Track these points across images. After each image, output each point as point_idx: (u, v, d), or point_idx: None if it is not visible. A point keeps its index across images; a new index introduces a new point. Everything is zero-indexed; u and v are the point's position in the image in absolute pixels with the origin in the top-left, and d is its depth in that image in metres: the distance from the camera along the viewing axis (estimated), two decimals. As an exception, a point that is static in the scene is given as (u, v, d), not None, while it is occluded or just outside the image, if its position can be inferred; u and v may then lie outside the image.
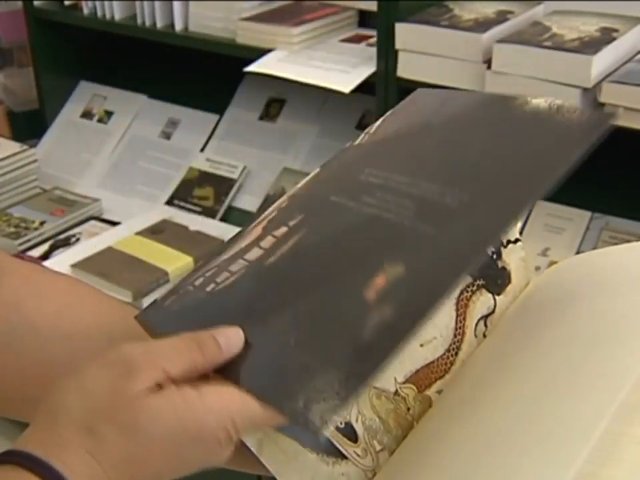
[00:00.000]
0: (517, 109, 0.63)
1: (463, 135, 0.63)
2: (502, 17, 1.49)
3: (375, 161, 0.63)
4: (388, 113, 0.68)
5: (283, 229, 0.61)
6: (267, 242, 0.60)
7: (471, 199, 0.56)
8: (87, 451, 0.48)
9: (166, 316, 0.59)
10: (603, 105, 1.30)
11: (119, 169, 2.10)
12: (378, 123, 0.67)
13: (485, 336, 0.65)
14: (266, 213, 0.63)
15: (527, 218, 1.61)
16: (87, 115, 2.22)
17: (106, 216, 1.99)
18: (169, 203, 1.97)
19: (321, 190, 0.63)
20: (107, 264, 1.62)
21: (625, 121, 1.29)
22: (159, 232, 1.73)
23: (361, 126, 1.87)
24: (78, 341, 0.62)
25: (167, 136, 2.10)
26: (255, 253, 0.60)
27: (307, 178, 0.64)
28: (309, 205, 0.61)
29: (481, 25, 1.45)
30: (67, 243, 1.85)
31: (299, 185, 0.64)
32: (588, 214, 1.57)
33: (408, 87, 1.54)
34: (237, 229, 1.94)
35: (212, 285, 0.59)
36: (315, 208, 0.61)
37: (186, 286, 0.60)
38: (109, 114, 2.20)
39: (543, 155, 0.59)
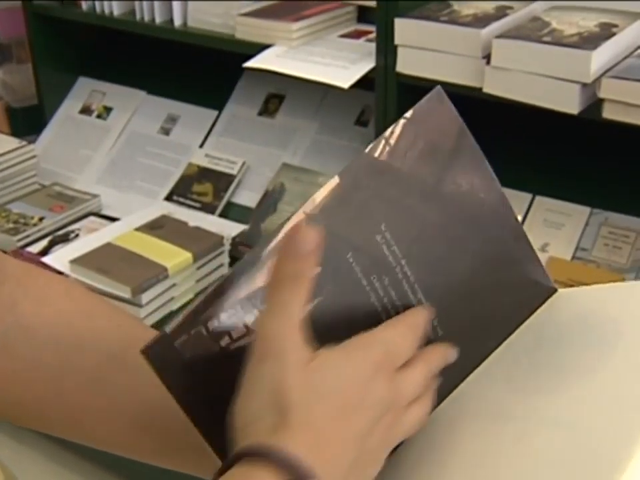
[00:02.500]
0: None
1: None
2: (501, 13, 1.49)
3: (391, 216, 0.60)
4: (406, 117, 0.66)
5: None
6: None
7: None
8: (304, 425, 0.50)
9: (174, 363, 0.55)
10: (602, 100, 1.30)
11: (118, 164, 2.10)
12: (397, 131, 0.65)
13: None
14: (282, 234, 0.58)
15: (527, 213, 1.61)
16: (85, 110, 2.22)
17: (105, 212, 1.99)
18: (168, 198, 1.97)
19: (337, 237, 0.59)
20: (106, 260, 1.62)
21: (624, 116, 1.29)
22: (158, 228, 1.73)
23: (360, 122, 1.87)
24: (71, 348, 0.61)
25: (166, 132, 2.10)
26: None
27: (324, 196, 0.60)
28: (323, 254, 0.59)
29: (481, 21, 1.45)
30: (65, 238, 1.85)
31: (316, 205, 0.59)
32: (587, 209, 1.57)
33: (407, 83, 1.55)
34: (236, 225, 1.93)
35: (226, 339, 0.56)
36: (330, 262, 0.58)
37: (198, 324, 0.56)
38: (108, 110, 2.20)
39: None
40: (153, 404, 0.60)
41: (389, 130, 0.62)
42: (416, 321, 0.58)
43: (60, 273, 1.60)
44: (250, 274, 0.57)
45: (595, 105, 1.32)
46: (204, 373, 0.56)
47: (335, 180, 0.60)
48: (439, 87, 0.65)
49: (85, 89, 2.25)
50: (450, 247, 0.62)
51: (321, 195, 0.59)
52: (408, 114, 0.63)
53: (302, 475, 0.48)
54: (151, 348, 0.54)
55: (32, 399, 0.61)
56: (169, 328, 0.54)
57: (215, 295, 0.56)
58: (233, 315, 0.56)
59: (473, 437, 0.58)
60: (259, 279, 0.57)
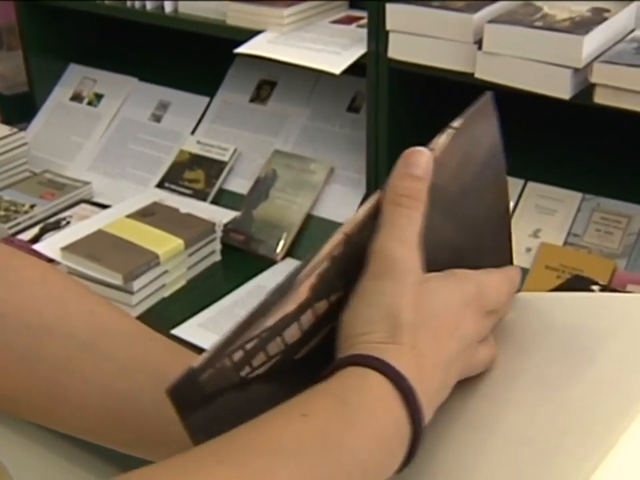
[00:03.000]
0: None
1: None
2: (493, -2, 1.48)
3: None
4: (454, 127, 0.64)
5: (324, 304, 0.58)
6: (307, 319, 0.57)
7: None
8: (410, 345, 0.54)
9: (196, 399, 0.53)
10: (594, 85, 1.30)
11: (109, 151, 2.09)
12: (443, 141, 0.63)
13: None
14: (319, 257, 0.57)
15: (518, 199, 1.61)
16: (76, 97, 2.21)
17: (96, 199, 1.98)
18: (160, 185, 1.96)
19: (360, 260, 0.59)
20: (97, 247, 1.61)
21: (616, 101, 1.29)
22: (149, 215, 1.73)
23: (352, 108, 1.86)
24: (41, 334, 0.60)
25: (157, 119, 2.09)
26: (293, 333, 0.57)
27: (359, 216, 0.59)
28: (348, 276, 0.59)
29: (472, 6, 1.44)
30: (57, 226, 1.85)
31: (347, 227, 0.58)
32: (579, 195, 1.56)
33: (399, 68, 1.55)
34: (228, 211, 1.93)
35: (247, 369, 0.56)
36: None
37: (223, 358, 0.54)
38: (98, 97, 2.19)
39: None
40: (126, 394, 0.60)
41: (436, 139, 0.63)
42: (512, 276, 0.63)
43: (51, 260, 1.60)
44: (280, 302, 0.56)
45: (586, 90, 1.32)
46: (221, 406, 0.55)
47: (375, 197, 0.60)
48: (489, 94, 0.65)
49: (75, 76, 2.24)
50: (450, 259, 0.62)
51: (359, 214, 0.59)
52: (456, 123, 0.64)
53: (405, 389, 0.52)
54: (176, 387, 0.52)
55: (3, 385, 0.60)
56: (196, 362, 0.53)
57: (245, 325, 0.55)
58: (257, 343, 0.56)
59: (446, 447, 0.58)
60: (289, 306, 0.56)
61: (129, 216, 1.72)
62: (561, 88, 1.33)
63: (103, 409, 0.60)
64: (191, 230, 1.68)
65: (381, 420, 0.51)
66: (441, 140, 0.62)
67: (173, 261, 1.64)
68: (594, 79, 1.29)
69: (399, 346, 0.53)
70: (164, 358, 0.62)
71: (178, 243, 1.64)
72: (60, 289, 0.63)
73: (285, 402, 0.52)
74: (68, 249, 1.61)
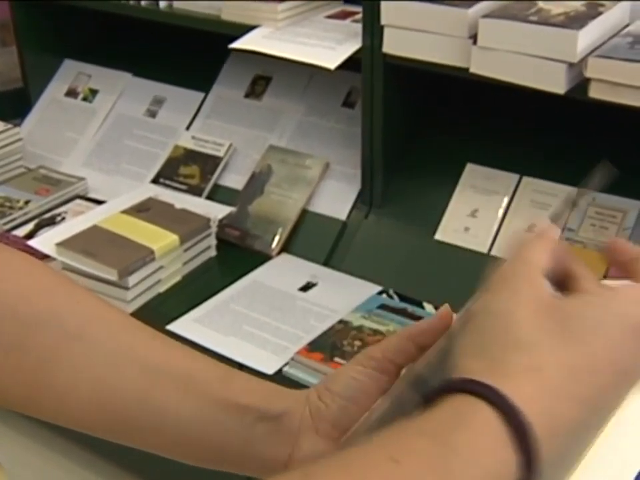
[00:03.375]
0: None
1: None
2: (488, -8, 1.48)
3: None
4: None
5: None
6: None
7: None
8: (529, 368, 0.45)
9: None
10: (588, 79, 1.30)
11: (104, 147, 2.09)
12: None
13: None
14: None
15: (514, 194, 1.61)
16: (71, 93, 2.21)
17: (91, 195, 1.98)
18: (155, 181, 1.96)
19: None
20: (92, 242, 1.61)
21: (611, 96, 1.29)
22: (144, 210, 1.73)
23: (347, 103, 1.86)
24: (29, 324, 0.60)
25: (153, 114, 2.09)
26: None
27: None
28: None
29: (467, 0, 1.44)
30: (52, 222, 1.85)
31: None
32: (574, 190, 1.56)
33: (394, 63, 1.55)
34: (223, 207, 1.93)
35: None
36: None
37: None
38: (93, 92, 2.18)
39: None
40: (113, 383, 0.60)
41: None
42: None
43: (46, 256, 1.59)
44: None
45: (581, 84, 1.32)
46: None
47: None
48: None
49: (70, 71, 2.24)
50: None
51: None
52: None
53: (519, 424, 0.43)
54: None
55: None
56: None
57: None
58: None
59: None
60: None
61: (124, 211, 1.72)
62: (556, 82, 1.33)
63: (90, 398, 0.60)
64: (186, 225, 1.68)
65: (485, 467, 0.43)
66: None
67: (168, 256, 1.64)
68: (589, 73, 1.29)
69: (516, 372, 0.45)
70: (151, 347, 0.62)
71: (173, 238, 1.64)
72: (48, 281, 0.63)
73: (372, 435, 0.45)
74: (63, 244, 1.60)
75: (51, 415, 0.62)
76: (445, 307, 0.59)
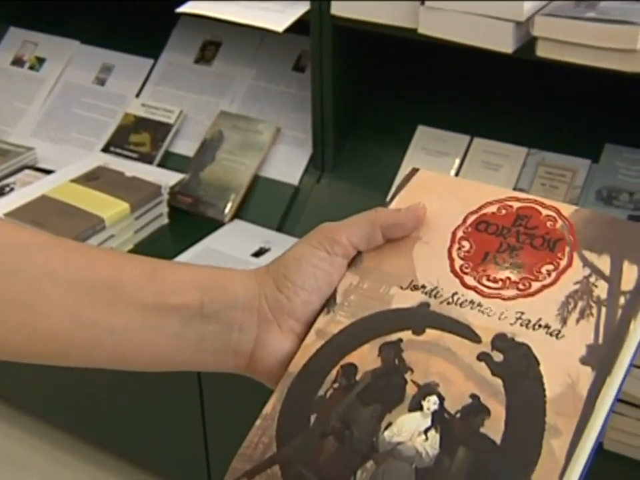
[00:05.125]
0: None
1: None
2: (435, -48, 1.47)
3: None
4: None
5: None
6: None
7: None
8: None
9: None
10: (535, 38, 1.30)
11: (53, 116, 2.06)
12: None
13: None
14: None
15: (464, 156, 1.61)
16: (17, 62, 2.17)
17: (41, 165, 1.95)
18: (105, 150, 1.93)
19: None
20: (41, 212, 1.59)
21: (557, 54, 1.29)
22: (93, 179, 1.71)
23: (298, 67, 1.85)
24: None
25: (101, 82, 2.06)
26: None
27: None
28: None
29: (414, -39, 1.43)
30: (0, 192, 1.82)
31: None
32: (524, 150, 1.57)
33: (343, 25, 1.54)
34: (175, 174, 1.90)
35: None
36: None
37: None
38: (40, 61, 2.15)
39: None
40: (36, 307, 0.56)
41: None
42: None
43: (-6, 226, 1.57)
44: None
45: (528, 43, 1.32)
46: None
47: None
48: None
49: (16, 39, 2.20)
50: None
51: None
52: None
53: None
54: None
55: None
56: None
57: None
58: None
59: None
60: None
61: (73, 180, 1.70)
62: (504, 42, 1.32)
63: (18, 326, 0.58)
64: (137, 193, 1.67)
65: None
66: None
67: (119, 224, 1.62)
68: (536, 32, 1.29)
69: None
70: (71, 263, 0.58)
71: (123, 206, 1.62)
72: (11, 235, 0.61)
73: None
74: (11, 214, 1.58)
75: None
76: (420, 203, 0.60)
